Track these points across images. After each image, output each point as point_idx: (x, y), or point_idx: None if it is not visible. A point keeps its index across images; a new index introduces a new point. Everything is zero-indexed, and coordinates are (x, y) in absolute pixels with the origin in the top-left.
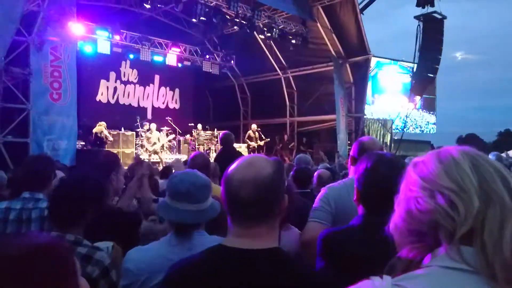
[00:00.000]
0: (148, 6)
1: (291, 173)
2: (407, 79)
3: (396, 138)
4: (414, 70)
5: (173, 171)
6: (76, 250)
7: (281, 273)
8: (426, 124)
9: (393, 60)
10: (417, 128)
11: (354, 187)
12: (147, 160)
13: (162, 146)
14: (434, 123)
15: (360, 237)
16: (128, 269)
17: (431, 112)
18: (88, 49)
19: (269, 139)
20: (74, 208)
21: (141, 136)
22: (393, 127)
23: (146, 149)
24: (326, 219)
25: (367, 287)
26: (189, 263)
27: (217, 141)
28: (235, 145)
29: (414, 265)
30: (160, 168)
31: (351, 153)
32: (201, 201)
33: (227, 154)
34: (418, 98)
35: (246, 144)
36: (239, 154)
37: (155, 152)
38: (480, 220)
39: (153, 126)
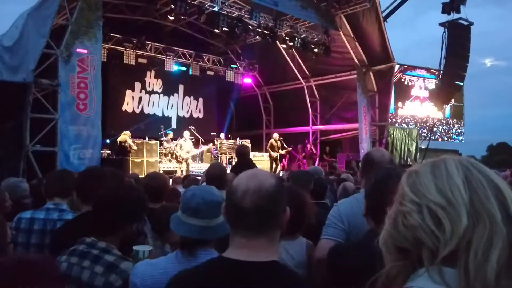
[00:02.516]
0: (172, 18)
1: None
2: (433, 86)
3: (422, 147)
4: (440, 77)
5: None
6: (103, 257)
7: (278, 286)
8: (453, 132)
9: (419, 67)
10: (444, 137)
11: (363, 201)
12: (171, 169)
13: (195, 155)
14: (461, 131)
15: (366, 251)
16: (134, 283)
17: (459, 120)
18: (114, 60)
19: (291, 148)
20: (112, 218)
21: (165, 145)
22: (419, 135)
23: (180, 156)
24: (338, 236)
25: None
26: (188, 274)
27: None
28: (258, 153)
29: (396, 284)
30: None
31: (361, 166)
32: (210, 217)
33: (241, 166)
34: (446, 106)
35: (268, 153)
36: (254, 166)
37: (186, 161)
38: (466, 240)
39: (186, 134)
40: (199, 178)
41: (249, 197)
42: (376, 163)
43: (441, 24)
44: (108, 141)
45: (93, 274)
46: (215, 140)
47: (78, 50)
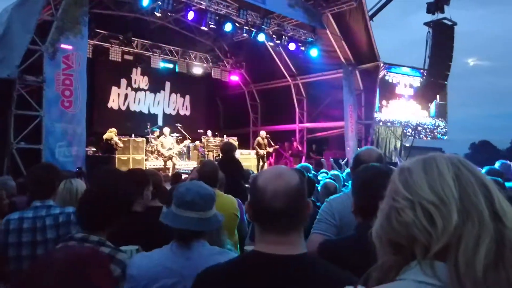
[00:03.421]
0: (159, 15)
1: None
2: (418, 83)
3: (406, 145)
4: (425, 76)
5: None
6: (99, 250)
7: (317, 277)
8: (437, 131)
9: (404, 66)
10: (428, 135)
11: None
12: (158, 166)
13: (178, 152)
14: (445, 130)
15: (355, 246)
16: (131, 275)
17: (443, 119)
18: (100, 57)
19: (278, 146)
20: (101, 213)
21: (151, 142)
22: (404, 133)
23: (162, 154)
24: (329, 231)
25: None
26: (222, 267)
27: None
28: (245, 151)
29: (390, 277)
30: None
31: (351, 165)
32: (205, 210)
33: (227, 164)
34: (432, 105)
35: (255, 151)
36: (239, 163)
37: (170, 158)
38: (457, 236)
39: (167, 130)
40: (186, 175)
41: (280, 198)
42: (363, 161)
43: (426, 24)
44: None
45: None
46: (202, 138)
47: (63, 46)
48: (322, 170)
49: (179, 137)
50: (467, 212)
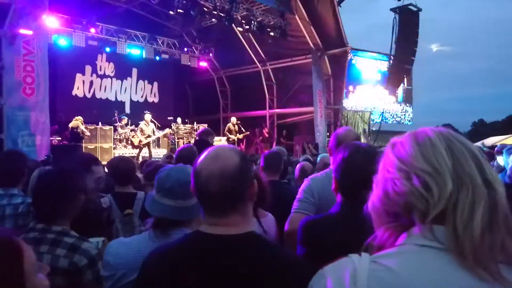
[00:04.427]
0: None
1: (261, 162)
2: (385, 68)
3: (374, 129)
4: (391, 61)
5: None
6: (63, 240)
7: (261, 253)
8: (403, 115)
9: (371, 51)
10: (393, 119)
11: (332, 176)
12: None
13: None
14: (410, 114)
15: (338, 224)
16: (107, 262)
17: (408, 104)
18: (62, 42)
19: (248, 132)
20: (57, 200)
21: (119, 131)
22: (371, 118)
23: (140, 141)
24: (309, 210)
25: (346, 263)
26: (166, 250)
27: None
28: (216, 138)
29: (390, 243)
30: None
31: (329, 144)
32: (184, 198)
33: (199, 148)
34: (400, 90)
35: (225, 138)
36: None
37: (147, 145)
38: (453, 202)
39: (148, 117)
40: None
41: (214, 181)
42: (343, 141)
43: (392, 10)
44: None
45: (54, 257)
46: (172, 125)
47: (23, 31)
48: None
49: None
50: (461, 180)
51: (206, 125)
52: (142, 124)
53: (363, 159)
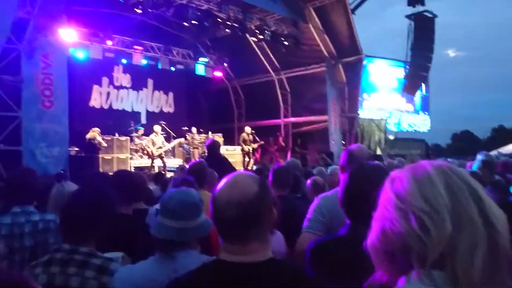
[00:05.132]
0: (139, 11)
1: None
2: (401, 76)
3: (391, 137)
4: (407, 69)
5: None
6: (91, 261)
7: (282, 282)
8: (420, 123)
9: (386, 58)
10: (410, 126)
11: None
12: (143, 165)
13: (167, 150)
14: (428, 121)
15: (346, 246)
16: None
17: (426, 112)
18: (80, 54)
19: (263, 142)
20: (89, 222)
21: (135, 141)
22: (388, 126)
23: (152, 152)
24: (319, 229)
25: None
26: (186, 278)
27: None
28: (230, 147)
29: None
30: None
31: (340, 161)
32: (187, 219)
33: (213, 162)
34: (417, 98)
35: (240, 147)
36: (226, 160)
37: (160, 157)
38: (452, 245)
39: (157, 128)
40: (172, 173)
41: (233, 209)
42: (355, 160)
43: (407, 17)
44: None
45: (84, 279)
46: (186, 135)
47: (42, 44)
48: None
49: (164, 135)
50: (460, 220)
51: (221, 134)
52: (152, 135)
53: (366, 181)
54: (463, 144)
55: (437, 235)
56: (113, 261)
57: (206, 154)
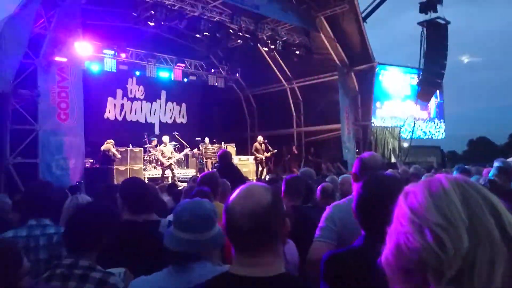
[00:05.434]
0: (152, 24)
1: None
2: (414, 83)
3: (405, 145)
4: (421, 76)
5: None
6: (90, 275)
7: None
8: (436, 131)
9: (398, 66)
10: (425, 134)
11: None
12: (156, 176)
13: (177, 160)
14: (443, 128)
15: (360, 260)
16: None
17: (441, 118)
18: (94, 67)
19: (276, 151)
20: (88, 235)
21: (149, 152)
22: (402, 133)
23: (162, 163)
24: (331, 238)
25: None
26: None
27: None
28: (243, 157)
29: None
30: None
31: (352, 170)
32: (201, 231)
33: (224, 172)
34: (432, 105)
35: (253, 157)
36: (237, 170)
37: (170, 167)
38: (469, 260)
39: (166, 138)
40: (185, 184)
41: (247, 219)
42: (368, 168)
43: (419, 23)
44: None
45: None
46: (200, 146)
47: (57, 59)
48: None
49: (177, 146)
50: (477, 235)
51: (234, 144)
52: (161, 146)
53: (379, 193)
54: (480, 151)
55: (454, 250)
56: (113, 275)
57: (218, 164)
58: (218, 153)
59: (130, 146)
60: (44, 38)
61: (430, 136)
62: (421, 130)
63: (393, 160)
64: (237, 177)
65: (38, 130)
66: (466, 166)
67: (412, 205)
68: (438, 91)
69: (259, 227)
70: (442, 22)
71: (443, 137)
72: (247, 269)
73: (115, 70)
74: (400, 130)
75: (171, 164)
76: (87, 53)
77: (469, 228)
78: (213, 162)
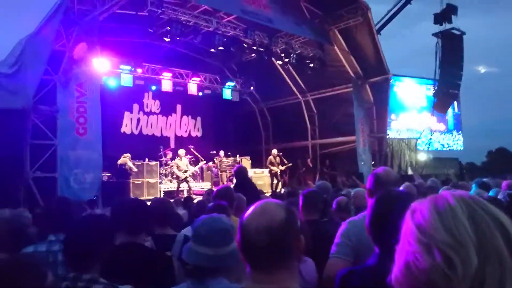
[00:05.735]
0: (168, 40)
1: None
2: (430, 94)
3: (421, 157)
4: (436, 87)
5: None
6: (93, 287)
7: None
8: (454, 143)
9: (413, 77)
10: (443, 146)
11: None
12: (172, 189)
13: (195, 174)
14: (461, 140)
15: (374, 278)
16: None
17: (459, 130)
18: (112, 82)
19: (291, 164)
20: (86, 250)
21: (165, 165)
22: (418, 145)
23: (178, 176)
24: (347, 254)
25: None
26: None
27: None
28: (258, 170)
29: None
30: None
31: (367, 185)
32: (219, 246)
33: (241, 187)
34: (450, 117)
35: (268, 169)
36: (253, 185)
37: (186, 180)
38: (479, 280)
39: (182, 152)
40: (200, 197)
41: (262, 236)
42: (382, 183)
43: (434, 35)
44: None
45: None
46: (215, 159)
47: (76, 75)
48: None
49: (192, 159)
50: (486, 254)
51: (249, 157)
52: (176, 159)
53: (390, 212)
54: (499, 162)
55: (463, 270)
56: (116, 286)
57: (234, 179)
58: (234, 169)
59: (146, 159)
60: (64, 55)
61: (448, 149)
62: (439, 142)
63: (409, 172)
64: (253, 192)
65: (57, 144)
66: (484, 180)
67: (419, 223)
68: (455, 102)
69: (273, 243)
70: (457, 33)
71: (461, 149)
72: (261, 286)
73: (131, 85)
74: (416, 142)
75: (186, 177)
76: (105, 68)
77: (477, 246)
78: (228, 175)
